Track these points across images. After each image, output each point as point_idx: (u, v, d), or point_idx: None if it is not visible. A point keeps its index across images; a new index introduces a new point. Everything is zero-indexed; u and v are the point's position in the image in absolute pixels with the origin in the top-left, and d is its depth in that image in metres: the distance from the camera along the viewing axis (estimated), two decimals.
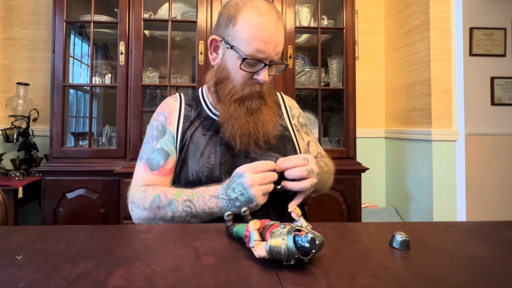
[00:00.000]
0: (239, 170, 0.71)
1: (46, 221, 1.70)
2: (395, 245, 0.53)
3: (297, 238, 0.43)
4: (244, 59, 0.76)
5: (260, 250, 0.45)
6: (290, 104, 1.01)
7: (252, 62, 0.77)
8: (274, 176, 0.70)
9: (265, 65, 0.78)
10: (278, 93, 1.02)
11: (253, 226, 0.49)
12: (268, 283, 0.40)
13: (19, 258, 0.47)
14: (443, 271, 0.45)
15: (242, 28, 0.76)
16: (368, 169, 1.85)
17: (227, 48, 0.79)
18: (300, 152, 0.95)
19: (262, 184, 0.69)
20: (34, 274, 0.42)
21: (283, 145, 0.90)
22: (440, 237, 0.60)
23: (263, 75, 0.79)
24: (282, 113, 0.97)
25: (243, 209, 0.60)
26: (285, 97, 1.02)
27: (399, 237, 0.53)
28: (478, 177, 2.03)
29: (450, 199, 1.97)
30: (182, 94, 0.94)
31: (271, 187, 0.70)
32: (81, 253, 0.49)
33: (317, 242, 0.42)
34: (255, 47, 0.75)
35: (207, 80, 0.88)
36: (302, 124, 1.00)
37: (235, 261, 0.47)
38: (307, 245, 0.42)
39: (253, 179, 0.68)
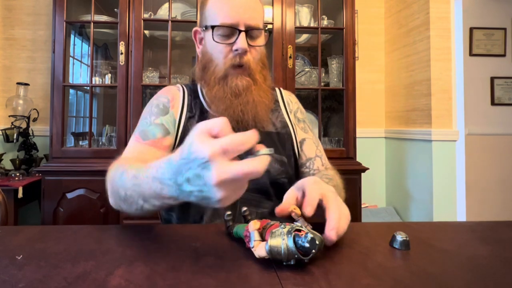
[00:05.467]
0: (199, 148, 0.39)
1: (46, 221, 1.70)
2: (395, 245, 0.53)
3: (297, 238, 0.43)
4: (213, 28, 0.73)
5: (260, 250, 0.45)
6: (288, 98, 0.94)
7: (224, 31, 0.74)
8: (251, 173, 0.39)
9: (240, 31, 0.73)
10: (276, 88, 0.96)
11: (253, 226, 0.49)
12: (268, 283, 0.40)
13: (19, 258, 0.47)
14: (443, 271, 0.45)
15: (211, 5, 0.77)
16: (368, 169, 1.85)
17: (203, 30, 0.79)
18: (298, 151, 0.88)
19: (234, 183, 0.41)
20: (34, 274, 0.42)
21: (282, 144, 0.84)
22: (440, 237, 0.60)
23: (240, 42, 0.73)
24: (281, 108, 0.90)
25: (243, 208, 0.60)
26: (283, 91, 0.96)
27: (399, 237, 0.53)
28: (478, 177, 2.04)
29: (450, 199, 1.97)
30: (183, 85, 0.89)
31: (243, 185, 0.43)
32: (81, 253, 0.49)
33: (317, 242, 0.42)
34: (224, 15, 0.73)
35: (196, 72, 0.84)
36: (299, 120, 0.92)
37: (235, 261, 0.47)
38: (307, 245, 0.42)
39: (221, 177, 0.38)
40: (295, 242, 0.42)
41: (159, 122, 0.77)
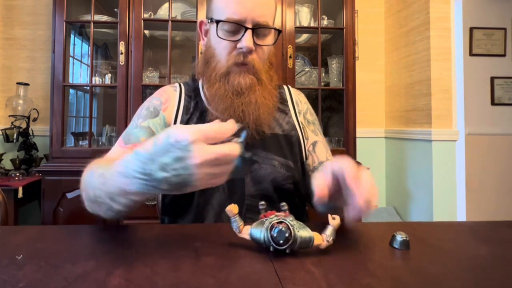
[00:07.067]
0: (179, 133, 0.42)
1: (46, 221, 1.69)
2: (395, 245, 0.53)
3: (274, 228, 0.47)
4: (217, 22, 0.70)
5: (244, 233, 0.50)
6: (297, 98, 0.89)
7: (230, 27, 0.70)
8: (230, 155, 0.44)
9: (246, 29, 0.69)
10: (285, 86, 0.91)
11: (233, 211, 0.49)
12: (268, 283, 0.40)
13: (19, 258, 0.47)
14: (443, 271, 0.45)
15: None
16: (368, 169, 1.85)
17: (208, 22, 0.75)
18: (306, 155, 0.84)
19: (213, 167, 0.43)
20: (34, 274, 0.42)
21: (290, 147, 0.80)
22: (440, 237, 0.60)
23: (245, 40, 0.69)
24: (289, 109, 0.86)
25: (261, 202, 0.52)
26: (292, 90, 0.90)
27: (399, 237, 0.53)
28: (478, 177, 2.04)
29: (450, 199, 1.97)
30: (182, 84, 0.85)
31: (222, 176, 0.45)
32: (81, 253, 0.49)
33: (286, 235, 0.46)
34: (230, 10, 0.69)
35: (198, 67, 0.81)
36: (309, 121, 0.88)
37: (235, 261, 0.47)
38: (275, 235, 0.46)
39: (203, 157, 0.41)
40: (271, 231, 0.47)
41: (145, 125, 0.75)
